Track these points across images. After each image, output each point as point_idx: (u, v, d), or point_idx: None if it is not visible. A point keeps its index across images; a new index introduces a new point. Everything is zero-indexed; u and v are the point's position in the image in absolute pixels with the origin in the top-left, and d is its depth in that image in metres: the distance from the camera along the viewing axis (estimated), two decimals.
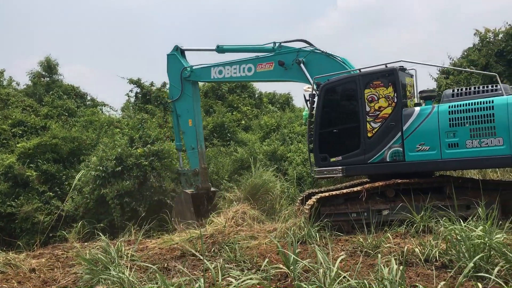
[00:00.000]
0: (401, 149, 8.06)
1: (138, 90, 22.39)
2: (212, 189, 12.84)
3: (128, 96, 22.91)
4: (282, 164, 16.45)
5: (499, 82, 7.89)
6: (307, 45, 10.07)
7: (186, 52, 12.45)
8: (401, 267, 4.08)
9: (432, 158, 7.81)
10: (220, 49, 11.57)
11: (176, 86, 12.17)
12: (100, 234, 7.43)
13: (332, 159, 8.63)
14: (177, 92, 12.16)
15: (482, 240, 4.78)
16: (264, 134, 20.02)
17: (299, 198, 9.58)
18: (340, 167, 8.49)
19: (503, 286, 3.64)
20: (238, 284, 4.89)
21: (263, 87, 25.67)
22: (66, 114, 20.52)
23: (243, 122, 21.59)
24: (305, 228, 7.42)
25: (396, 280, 3.97)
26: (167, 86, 23.41)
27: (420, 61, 8.87)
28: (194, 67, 11.85)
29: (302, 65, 9.73)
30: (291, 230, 7.56)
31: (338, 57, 9.56)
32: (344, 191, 8.18)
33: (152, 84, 22.66)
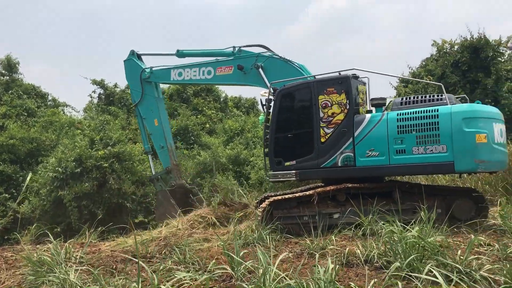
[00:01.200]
0: (352, 155, 8.27)
1: (102, 91, 22.17)
2: (187, 185, 13.00)
3: (91, 97, 22.72)
4: (245, 168, 16.58)
5: (444, 91, 8.23)
6: (266, 51, 10.25)
7: (144, 57, 12.47)
8: (333, 267, 4.23)
9: (381, 163, 8.05)
10: (180, 54, 11.63)
11: (136, 89, 12.20)
12: (50, 236, 7.33)
13: (287, 163, 8.78)
14: (139, 95, 12.17)
15: (417, 241, 5.00)
16: (228, 138, 20.13)
17: (255, 202, 9.70)
18: (294, 171, 8.65)
19: (432, 285, 3.82)
20: (180, 284, 4.97)
21: (229, 91, 25.78)
22: (26, 114, 20.15)
23: (207, 125, 21.65)
24: (257, 231, 7.53)
25: (331, 280, 4.12)
26: None
27: (380, 70, 9.15)
28: (153, 69, 11.89)
29: (260, 70, 9.92)
30: (243, 233, 7.67)
31: (296, 63, 9.77)
32: (297, 194, 8.34)
33: (116, 86, 22.52)
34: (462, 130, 7.48)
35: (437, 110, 7.72)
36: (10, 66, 22.13)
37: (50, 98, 23.37)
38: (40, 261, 6.15)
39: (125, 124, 19.84)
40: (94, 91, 22.40)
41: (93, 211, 13.57)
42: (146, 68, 11.88)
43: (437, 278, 4.10)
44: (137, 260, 6.69)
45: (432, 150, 7.70)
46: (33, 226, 11.76)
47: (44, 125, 18.88)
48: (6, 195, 15.32)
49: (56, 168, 13.86)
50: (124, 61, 12.31)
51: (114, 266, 6.49)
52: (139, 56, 12.30)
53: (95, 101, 22.60)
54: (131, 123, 19.27)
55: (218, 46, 12.90)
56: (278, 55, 9.97)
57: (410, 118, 7.87)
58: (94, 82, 21.90)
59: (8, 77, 22.14)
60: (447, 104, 7.81)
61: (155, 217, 12.58)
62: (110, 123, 17.62)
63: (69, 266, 6.03)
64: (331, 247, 6.24)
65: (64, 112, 22.70)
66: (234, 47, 10.65)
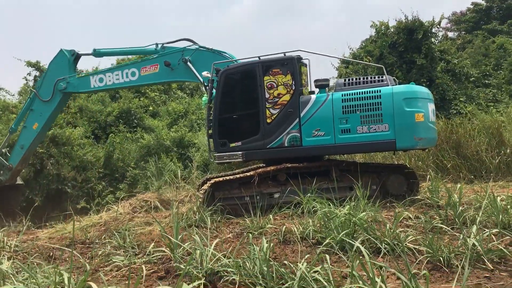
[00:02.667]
0: (298, 135, 8.43)
1: (37, 74, 21.12)
2: (18, 182, 12.26)
3: (26, 80, 21.60)
4: (190, 151, 16.51)
5: (385, 73, 8.54)
6: (192, 44, 10.07)
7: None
8: (268, 246, 4.36)
9: (327, 143, 8.28)
10: (96, 53, 11.05)
11: (48, 85, 11.07)
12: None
13: (232, 145, 8.80)
14: (46, 93, 11.06)
15: (348, 218, 5.24)
16: (172, 120, 19.92)
17: (197, 184, 9.72)
18: (240, 152, 8.69)
19: (361, 256, 4.02)
20: (118, 269, 4.96)
21: None
22: None
23: (150, 108, 21.25)
24: (198, 213, 7.59)
25: (266, 258, 4.25)
26: None
27: (322, 51, 9.31)
28: (70, 78, 10.93)
29: (189, 63, 9.72)
30: (185, 215, 7.70)
31: (226, 53, 9.70)
32: (238, 176, 8.44)
33: None
34: (403, 110, 7.89)
35: (380, 91, 8.04)
36: None
37: None
38: None
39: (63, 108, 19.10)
40: (29, 74, 21.33)
41: (30, 197, 13.11)
42: (62, 78, 10.87)
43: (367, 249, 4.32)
44: (75, 247, 6.61)
45: (375, 129, 8.02)
46: None
47: None
48: None
49: None
50: (61, 50, 11.16)
51: (51, 254, 6.36)
52: (77, 58, 11.23)
53: (31, 84, 21.54)
54: (70, 106, 18.57)
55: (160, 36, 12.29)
56: (205, 47, 9.85)
57: (354, 98, 8.14)
58: (29, 64, 20.81)
59: None
60: (388, 85, 8.13)
61: None
62: None
63: (2, 255, 5.86)
64: (270, 226, 6.40)
65: None
66: (156, 44, 10.30)
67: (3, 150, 11.87)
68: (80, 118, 18.62)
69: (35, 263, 5.26)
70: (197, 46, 9.92)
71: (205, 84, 9.40)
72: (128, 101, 19.80)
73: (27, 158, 11.60)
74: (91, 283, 3.43)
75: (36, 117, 11.27)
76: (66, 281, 3.42)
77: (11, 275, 4.62)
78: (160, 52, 10.25)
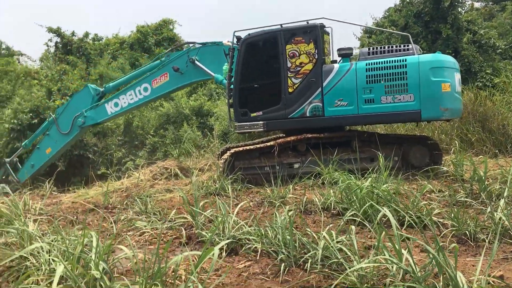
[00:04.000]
0: (320, 105, 8.32)
1: (58, 40, 21.17)
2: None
3: (48, 46, 21.68)
4: (208, 120, 16.51)
5: (411, 42, 8.30)
6: (193, 44, 10.08)
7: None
8: (291, 214, 4.35)
9: (350, 113, 8.17)
10: (107, 89, 11.08)
11: (69, 117, 11.01)
12: (7, 189, 7.19)
13: (253, 114, 8.74)
14: (65, 125, 11.03)
15: (370, 189, 5.18)
16: (191, 88, 19.83)
17: (217, 153, 9.74)
18: (260, 122, 8.63)
19: (383, 229, 3.97)
20: (141, 233, 5.02)
21: (191, 39, 25.10)
22: None
23: None
24: (218, 181, 7.61)
25: (287, 226, 4.24)
26: (90, 36, 22.44)
27: (343, 19, 9.06)
28: (87, 112, 10.86)
29: (197, 62, 9.67)
30: (205, 183, 7.74)
31: (228, 41, 9.57)
32: (258, 145, 8.41)
33: (73, 34, 21.52)
34: (429, 79, 7.71)
35: (405, 60, 7.86)
36: None
37: (4, 46, 22.27)
38: None
39: (84, 75, 19.17)
40: (50, 40, 21.39)
41: (53, 163, 13.31)
42: (79, 114, 10.83)
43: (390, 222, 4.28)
44: (98, 211, 6.72)
45: (400, 99, 7.87)
46: None
47: None
48: None
49: (12, 120, 13.43)
50: (88, 85, 11.22)
51: (75, 217, 6.47)
52: (101, 97, 11.15)
53: (52, 50, 21.66)
54: (91, 73, 18.65)
55: None
56: (207, 42, 9.80)
57: (379, 68, 7.97)
58: (50, 30, 20.83)
59: None
60: (414, 54, 7.92)
61: None
62: (68, 73, 17.02)
63: (28, 218, 5.97)
64: (291, 196, 6.39)
65: (19, 62, 21.75)
66: (159, 55, 10.45)
67: (14, 159, 12.08)
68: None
69: (60, 226, 5.35)
70: (199, 45, 9.86)
71: (226, 52, 9.30)
72: None
73: (35, 175, 11.64)
74: (120, 246, 3.46)
75: (50, 143, 11.34)
76: (94, 243, 3.45)
77: (37, 237, 4.71)
78: (166, 61, 10.21)
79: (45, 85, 15.44)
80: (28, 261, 3.91)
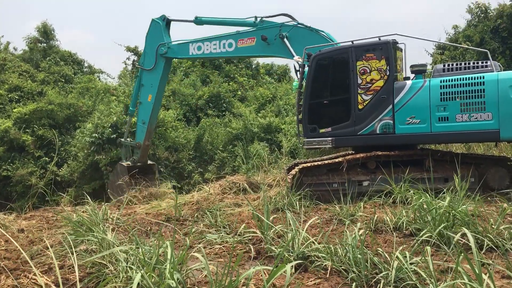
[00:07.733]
0: (391, 122, 8.17)
1: (135, 58, 22.35)
2: (150, 162, 12.82)
3: (125, 64, 22.94)
4: (276, 136, 16.64)
5: (490, 58, 7.97)
6: (290, 20, 9.97)
7: (172, 24, 11.96)
8: (362, 233, 4.28)
9: (422, 131, 7.96)
10: (198, 21, 11.30)
11: (150, 54, 11.76)
12: (88, 198, 7.63)
13: (321, 130, 8.72)
14: (149, 62, 11.75)
15: (447, 210, 4.98)
16: (259, 105, 20.14)
17: (285, 169, 9.77)
18: (329, 138, 8.60)
19: (462, 252, 3.82)
20: (211, 246, 5.14)
21: (260, 58, 25.51)
22: (63, 80, 20.63)
23: (239, 92, 21.66)
24: (287, 197, 7.63)
25: (358, 245, 4.18)
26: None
27: (415, 35, 8.87)
28: (171, 44, 11.47)
29: (285, 39, 9.67)
30: (273, 199, 7.79)
31: (324, 32, 9.54)
32: (326, 162, 8.35)
33: None
34: (509, 98, 7.36)
35: (483, 77, 7.56)
36: (46, 32, 22.55)
37: (86, 65, 23.82)
38: (79, 222, 6.43)
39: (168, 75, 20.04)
40: (128, 58, 22.69)
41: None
42: (164, 43, 11.46)
43: (469, 244, 4.09)
44: (170, 223, 6.96)
45: (476, 118, 7.57)
46: (72, 189, 12.21)
47: (81, 91, 19.36)
48: (46, 158, 15.92)
49: (93, 134, 14.28)
50: (152, 20, 11.79)
51: (149, 228, 6.74)
52: (168, 23, 11.79)
53: (129, 68, 22.90)
54: (165, 90, 19.48)
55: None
56: (303, 24, 9.73)
57: (454, 85, 7.72)
58: (128, 49, 22.12)
59: (45, 44, 22.61)
60: (493, 71, 7.59)
61: (108, 185, 12.58)
62: None
63: (106, 227, 6.31)
64: (360, 214, 6.28)
65: (99, 79, 23.16)
66: (256, 17, 10.32)
67: (127, 133, 12.81)
68: (173, 101, 19.45)
69: (135, 236, 5.60)
70: (295, 23, 9.84)
71: (296, 68, 9.36)
72: (218, 85, 20.32)
73: (151, 132, 12.23)
74: (197, 254, 3.56)
75: (148, 90, 11.92)
76: (169, 253, 3.58)
77: (115, 245, 4.96)
78: (258, 25, 10.29)
79: (123, 101, 16.31)
80: (107, 268, 4.13)
